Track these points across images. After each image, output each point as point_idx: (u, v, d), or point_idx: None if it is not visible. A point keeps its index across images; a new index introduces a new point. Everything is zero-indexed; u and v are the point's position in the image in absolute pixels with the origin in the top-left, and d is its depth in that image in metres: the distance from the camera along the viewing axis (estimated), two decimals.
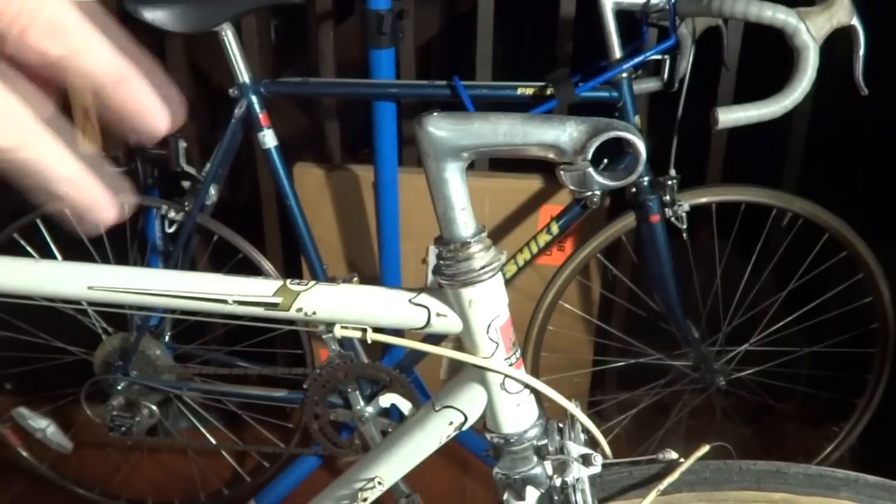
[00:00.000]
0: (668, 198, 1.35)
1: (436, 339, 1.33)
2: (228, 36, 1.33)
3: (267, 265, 1.50)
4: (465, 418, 0.62)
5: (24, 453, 1.68)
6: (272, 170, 1.41)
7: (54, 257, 1.52)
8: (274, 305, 0.58)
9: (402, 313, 0.58)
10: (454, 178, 0.51)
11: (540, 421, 0.62)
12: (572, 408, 0.63)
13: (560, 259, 1.50)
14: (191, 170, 1.49)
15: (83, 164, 0.32)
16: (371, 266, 1.72)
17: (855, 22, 1.09)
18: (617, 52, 1.25)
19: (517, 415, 0.61)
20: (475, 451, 1.63)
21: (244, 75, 1.36)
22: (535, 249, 1.39)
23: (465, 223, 0.53)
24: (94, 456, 1.79)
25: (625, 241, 1.54)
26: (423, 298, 0.58)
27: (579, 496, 0.61)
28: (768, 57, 1.23)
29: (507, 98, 1.33)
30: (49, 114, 0.32)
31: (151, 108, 0.33)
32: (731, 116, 1.11)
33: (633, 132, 0.47)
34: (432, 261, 1.70)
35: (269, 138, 1.39)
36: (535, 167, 1.63)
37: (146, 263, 1.58)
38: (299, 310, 0.58)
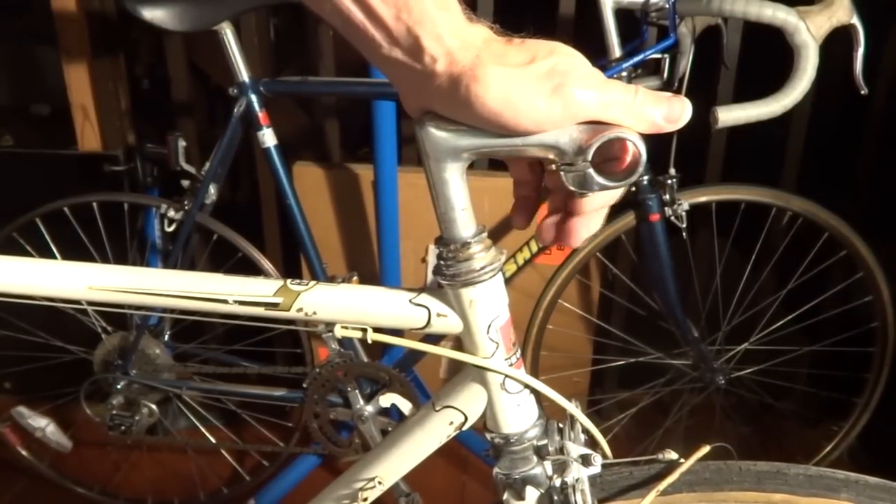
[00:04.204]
0: (667, 197, 1.35)
1: (435, 338, 1.33)
2: (228, 35, 1.33)
3: (266, 264, 1.50)
4: (465, 418, 0.62)
5: (24, 452, 1.68)
6: (272, 169, 1.41)
7: (54, 257, 1.52)
8: (274, 305, 0.58)
9: (402, 313, 0.58)
10: (454, 178, 0.51)
11: (540, 421, 0.62)
12: (572, 408, 0.63)
13: (560, 258, 1.50)
14: (190, 168, 1.49)
15: None
16: (370, 265, 1.72)
17: (855, 21, 1.09)
18: (616, 51, 1.25)
19: (517, 415, 0.61)
20: (475, 451, 1.63)
21: (244, 74, 1.36)
22: (534, 248, 1.39)
23: (465, 223, 0.53)
24: (93, 455, 1.80)
25: (624, 240, 1.54)
26: (424, 298, 0.58)
27: (579, 496, 0.61)
28: (768, 56, 1.23)
29: None
30: None
31: None
32: (730, 115, 1.11)
33: (633, 132, 0.47)
34: (432, 260, 1.70)
35: (268, 137, 1.39)
36: None
37: (146, 263, 1.58)
38: (300, 310, 0.58)
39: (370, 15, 0.46)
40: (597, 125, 0.46)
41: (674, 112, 0.47)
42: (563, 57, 0.46)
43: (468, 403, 0.62)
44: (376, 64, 0.49)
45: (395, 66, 0.48)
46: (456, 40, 0.45)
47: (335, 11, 0.47)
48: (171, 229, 1.48)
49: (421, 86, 0.48)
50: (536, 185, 0.54)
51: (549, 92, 0.45)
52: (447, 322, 0.58)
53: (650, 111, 0.46)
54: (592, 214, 0.52)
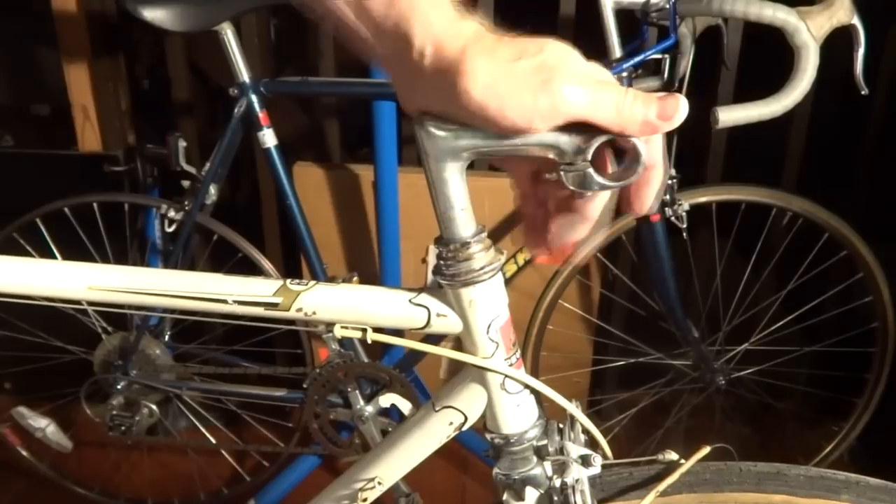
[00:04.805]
0: (667, 197, 1.35)
1: (435, 338, 1.33)
2: (228, 35, 1.33)
3: (266, 264, 1.50)
4: (465, 418, 0.62)
5: (24, 453, 1.68)
6: (272, 169, 1.41)
7: (54, 257, 1.52)
8: (274, 305, 0.58)
9: (402, 313, 0.58)
10: (454, 177, 0.51)
11: (540, 421, 0.62)
12: (572, 408, 0.63)
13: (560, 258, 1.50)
14: (191, 169, 1.49)
15: None
16: (370, 265, 1.72)
17: (855, 21, 1.09)
18: (617, 52, 1.25)
19: (517, 415, 0.61)
20: (475, 451, 1.63)
21: (244, 74, 1.36)
22: None
23: (465, 223, 0.53)
24: (93, 455, 1.79)
25: (625, 240, 1.54)
26: (423, 298, 0.58)
27: (579, 497, 0.61)
28: (768, 56, 1.23)
29: None
30: None
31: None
32: (731, 116, 1.11)
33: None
34: (432, 260, 1.70)
35: (268, 137, 1.39)
36: None
37: (146, 263, 1.58)
38: (299, 310, 0.58)
39: (360, 9, 0.46)
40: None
41: (668, 109, 0.45)
42: (554, 53, 0.45)
43: (468, 403, 0.61)
44: (372, 61, 0.50)
45: (388, 63, 0.48)
46: (444, 33, 0.45)
47: (327, 13, 0.47)
48: (171, 230, 1.48)
49: (412, 81, 0.48)
50: (541, 198, 0.53)
51: (537, 86, 0.44)
52: (447, 322, 0.58)
53: (641, 111, 0.45)
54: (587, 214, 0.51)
